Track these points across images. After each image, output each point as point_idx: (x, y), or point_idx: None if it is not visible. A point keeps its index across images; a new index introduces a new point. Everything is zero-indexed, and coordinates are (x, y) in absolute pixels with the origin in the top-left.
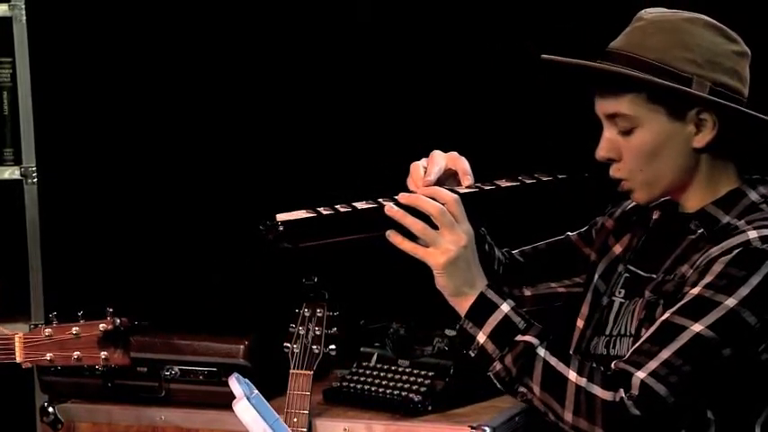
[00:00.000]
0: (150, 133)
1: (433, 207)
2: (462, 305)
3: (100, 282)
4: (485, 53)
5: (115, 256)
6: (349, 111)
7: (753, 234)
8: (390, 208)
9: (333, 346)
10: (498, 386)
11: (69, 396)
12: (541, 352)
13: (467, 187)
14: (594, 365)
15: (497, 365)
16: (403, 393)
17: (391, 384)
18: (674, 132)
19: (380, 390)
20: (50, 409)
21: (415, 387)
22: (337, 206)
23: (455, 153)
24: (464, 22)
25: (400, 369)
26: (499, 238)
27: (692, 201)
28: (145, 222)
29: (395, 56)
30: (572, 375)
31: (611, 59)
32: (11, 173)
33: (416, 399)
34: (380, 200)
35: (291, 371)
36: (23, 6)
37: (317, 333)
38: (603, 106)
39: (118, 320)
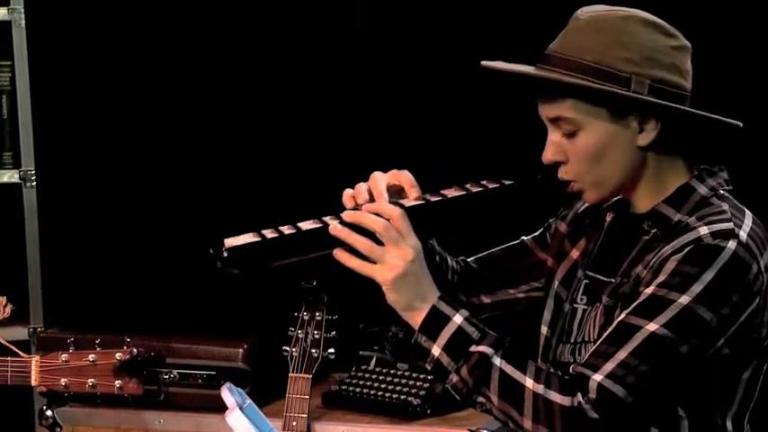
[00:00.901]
0: (149, 136)
1: (377, 223)
2: (415, 319)
3: (99, 285)
4: (431, 64)
5: (114, 260)
6: (343, 116)
7: (704, 230)
8: (335, 227)
9: (332, 350)
10: (456, 398)
11: (68, 400)
12: (497, 361)
13: (414, 199)
14: (551, 371)
15: (454, 377)
16: (402, 397)
17: (390, 388)
18: (617, 133)
19: (379, 393)
20: (49, 413)
21: (413, 390)
22: (282, 228)
23: (395, 170)
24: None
25: (399, 372)
26: (454, 246)
27: (643, 200)
28: (144, 226)
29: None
30: (529, 383)
31: (550, 63)
32: (10, 176)
33: (415, 402)
34: (326, 218)
35: (290, 374)
36: (23, 10)
37: (316, 337)
38: (546, 110)
39: (135, 350)
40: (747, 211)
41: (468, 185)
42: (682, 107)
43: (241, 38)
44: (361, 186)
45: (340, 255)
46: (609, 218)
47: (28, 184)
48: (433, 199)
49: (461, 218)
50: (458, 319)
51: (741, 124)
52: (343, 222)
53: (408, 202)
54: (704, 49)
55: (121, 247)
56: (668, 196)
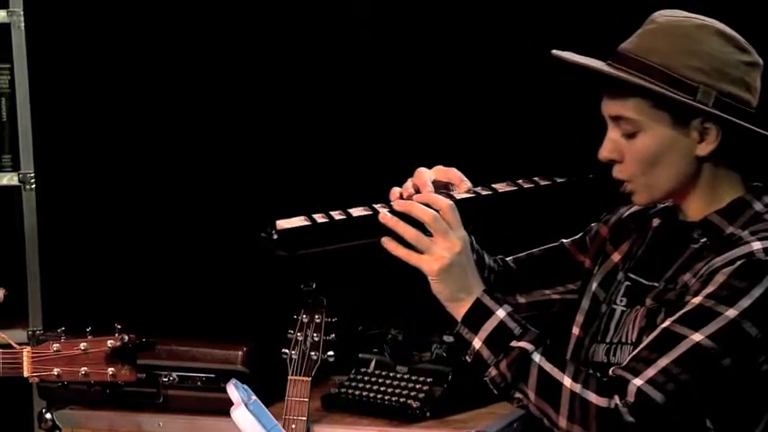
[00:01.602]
0: (149, 139)
1: (427, 214)
2: (458, 311)
3: (98, 288)
4: (486, 53)
5: (113, 263)
6: (350, 113)
7: (757, 245)
8: (384, 215)
9: (331, 353)
10: (494, 391)
11: (67, 402)
12: (536, 358)
13: (464, 192)
14: (591, 372)
15: (493, 371)
16: (401, 399)
17: (389, 390)
18: (676, 139)
19: (379, 396)
20: (48, 416)
21: (413, 393)
22: (333, 213)
23: (440, 166)
24: (466, 21)
25: (398, 375)
26: (495, 243)
27: (694, 209)
28: (143, 228)
29: (394, 57)
30: (567, 381)
31: (620, 61)
32: (9, 179)
33: (415, 405)
34: (376, 206)
35: (290, 377)
36: (22, 13)
37: (316, 339)
38: (609, 107)
39: (126, 337)
40: None
41: (519, 181)
42: (745, 124)
43: (242, 42)
44: (409, 182)
45: (388, 243)
46: (655, 223)
47: (27, 186)
48: (484, 193)
49: (511, 213)
50: (500, 313)
51: None
52: (392, 211)
53: (459, 195)
54: None
55: (121, 249)
56: (722, 208)
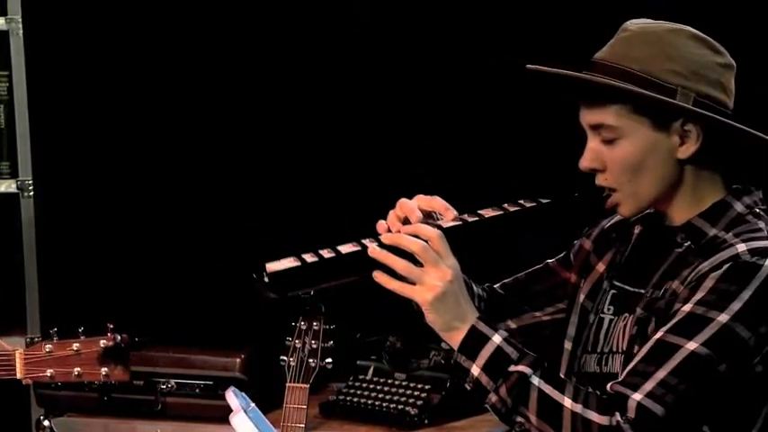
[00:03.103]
0: (147, 145)
1: (416, 245)
2: (454, 339)
3: (96, 295)
4: (462, 71)
5: (112, 270)
6: (347, 121)
7: (742, 247)
8: (373, 249)
9: (329, 359)
10: (496, 417)
11: (66, 410)
12: (535, 381)
13: (451, 221)
14: (590, 390)
15: (493, 397)
16: (399, 407)
17: (388, 398)
18: (658, 143)
19: (377, 403)
20: (46, 423)
21: (411, 400)
22: (322, 251)
23: (422, 195)
24: (442, 40)
25: (397, 382)
26: (482, 269)
27: (678, 213)
28: (141, 235)
29: (383, 77)
30: (567, 402)
31: (597, 70)
32: (7, 186)
33: (413, 412)
34: (364, 241)
35: (288, 384)
36: (20, 20)
37: (314, 346)
38: (588, 117)
39: (118, 337)
40: None
41: (505, 205)
42: (724, 120)
43: (241, 47)
44: (392, 214)
45: (379, 277)
46: (637, 230)
47: (25, 193)
48: (471, 219)
49: (499, 237)
50: (497, 338)
51: None
52: (381, 245)
53: (446, 223)
54: (746, 68)
55: (119, 257)
56: (704, 210)
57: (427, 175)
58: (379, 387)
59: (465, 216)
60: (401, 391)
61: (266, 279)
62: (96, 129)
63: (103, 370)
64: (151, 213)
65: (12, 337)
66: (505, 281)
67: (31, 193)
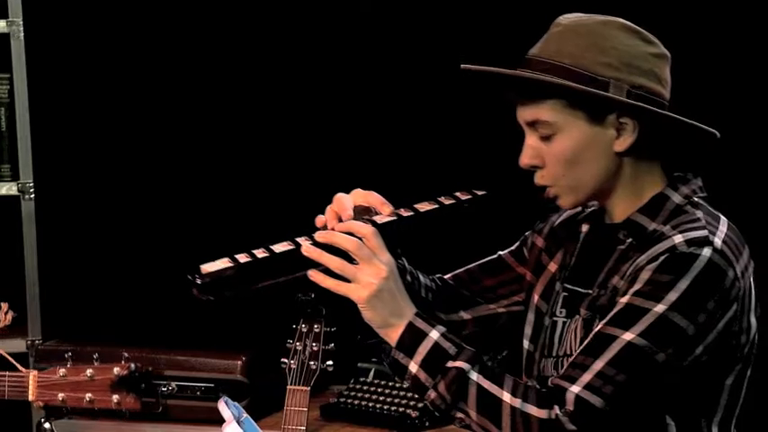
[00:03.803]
0: (148, 148)
1: (350, 242)
2: (391, 336)
3: (97, 298)
4: (400, 67)
5: (113, 272)
6: (344, 123)
7: (678, 238)
8: (307, 248)
9: (330, 362)
10: (435, 413)
11: (66, 412)
12: (474, 376)
13: (386, 215)
14: (529, 384)
15: (432, 393)
16: (400, 409)
17: (388, 400)
18: (594, 137)
19: (378, 406)
20: (47, 425)
21: (412, 403)
22: (256, 251)
23: (359, 189)
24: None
25: (397, 385)
26: (428, 261)
27: (619, 209)
28: (142, 238)
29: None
30: (506, 396)
31: (530, 66)
32: (8, 189)
33: (414, 414)
34: (298, 239)
35: (288, 387)
36: (21, 23)
37: (315, 349)
38: (523, 113)
39: (133, 366)
40: (722, 218)
41: (440, 198)
42: (659, 110)
43: (240, 55)
44: (329, 210)
45: (314, 275)
46: (584, 229)
47: (26, 196)
48: (406, 214)
49: (434, 231)
50: (434, 334)
51: (718, 133)
52: (315, 243)
53: (380, 219)
54: (682, 58)
55: (120, 259)
56: (643, 205)
57: (364, 171)
58: (380, 390)
59: (400, 211)
60: (402, 393)
61: (198, 281)
62: (97, 131)
63: (115, 397)
64: (152, 215)
65: (13, 339)
66: (457, 272)
67: (32, 196)
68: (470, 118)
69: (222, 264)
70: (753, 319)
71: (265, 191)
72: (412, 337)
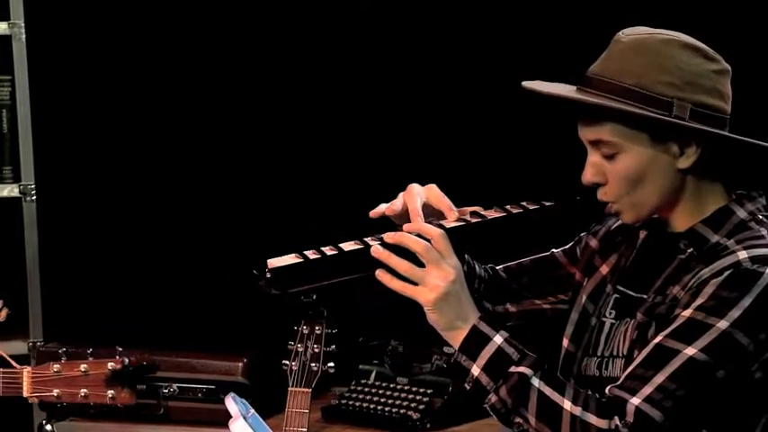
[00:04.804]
0: (150, 150)
1: (419, 244)
2: (455, 339)
3: (98, 299)
4: (470, 80)
5: (114, 274)
6: (347, 120)
7: (743, 254)
8: (376, 249)
9: (331, 364)
10: (495, 417)
11: (67, 414)
12: (536, 382)
13: (454, 221)
14: (590, 393)
15: (493, 397)
16: (401, 411)
17: (390, 402)
18: (657, 156)
19: (379, 407)
20: (48, 427)
21: (413, 405)
22: (324, 248)
23: (433, 187)
24: (439, 46)
25: (399, 387)
26: (486, 252)
27: (680, 220)
28: (144, 240)
29: (382, 86)
30: (567, 404)
31: (591, 86)
32: (10, 191)
33: (415, 416)
34: (367, 239)
35: (290, 388)
36: (23, 25)
37: (316, 350)
38: (585, 133)
39: (127, 360)
40: None
41: (508, 206)
42: (722, 132)
43: (243, 57)
44: (397, 202)
45: (382, 276)
46: (642, 235)
47: (28, 198)
48: (474, 220)
49: (501, 238)
50: (498, 339)
51: None
52: (383, 244)
53: (449, 223)
54: (744, 70)
55: (121, 260)
56: (707, 217)
57: (430, 174)
58: (381, 391)
59: (468, 217)
60: (403, 395)
61: (268, 275)
62: (98, 133)
63: (110, 392)
64: (153, 217)
65: (14, 341)
66: (509, 264)
67: (34, 198)
68: (535, 128)
69: (290, 259)
70: None
71: (268, 194)
72: (476, 341)
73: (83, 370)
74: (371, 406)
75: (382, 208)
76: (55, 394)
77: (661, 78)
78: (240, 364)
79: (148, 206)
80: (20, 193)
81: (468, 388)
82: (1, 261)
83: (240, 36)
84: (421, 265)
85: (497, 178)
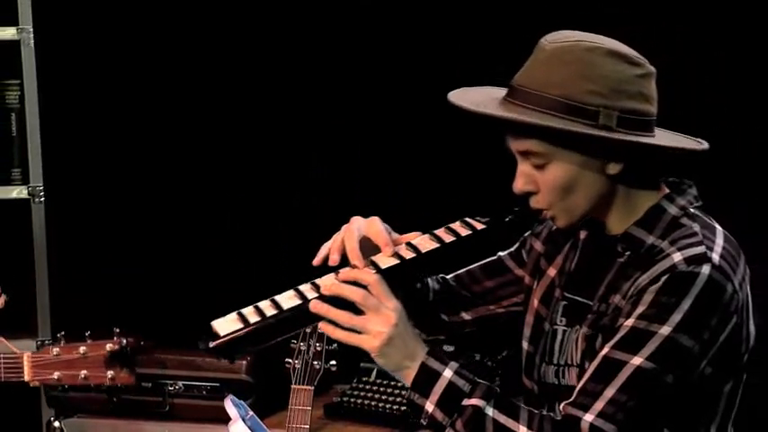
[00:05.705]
0: (156, 152)
1: (356, 293)
2: (407, 378)
3: (106, 299)
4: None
5: (121, 273)
6: (351, 126)
7: (678, 257)
8: (315, 304)
9: (333, 362)
10: None
11: (75, 411)
12: (490, 412)
13: (388, 257)
14: (544, 414)
15: None
16: (403, 408)
17: (391, 399)
18: (586, 164)
19: (380, 405)
20: (57, 424)
21: None
22: (262, 305)
23: (375, 221)
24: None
25: (400, 384)
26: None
27: (615, 222)
28: (150, 239)
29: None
30: (522, 429)
31: (517, 97)
32: (18, 192)
33: None
34: (303, 290)
35: (293, 386)
36: (32, 30)
37: (318, 349)
38: (514, 145)
39: (124, 341)
40: (718, 228)
41: (438, 233)
42: (648, 142)
43: (247, 62)
44: (335, 245)
45: (325, 328)
46: (583, 235)
47: (36, 200)
48: (408, 256)
49: (437, 265)
50: (447, 373)
51: (708, 146)
52: (321, 296)
53: (384, 263)
54: (673, 61)
55: (128, 260)
56: (639, 218)
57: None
58: (382, 389)
59: (401, 251)
60: (404, 392)
61: (212, 345)
62: (106, 135)
63: (109, 373)
64: (160, 217)
65: (22, 340)
66: (458, 273)
67: (42, 199)
68: (463, 142)
69: (233, 324)
70: (752, 328)
71: (272, 196)
72: (426, 378)
73: (82, 352)
74: (373, 403)
75: (322, 254)
76: (55, 377)
77: (586, 88)
78: (244, 363)
79: (154, 207)
80: (28, 194)
81: (424, 423)
82: (10, 262)
83: (241, 40)
84: (361, 312)
85: (436, 194)
